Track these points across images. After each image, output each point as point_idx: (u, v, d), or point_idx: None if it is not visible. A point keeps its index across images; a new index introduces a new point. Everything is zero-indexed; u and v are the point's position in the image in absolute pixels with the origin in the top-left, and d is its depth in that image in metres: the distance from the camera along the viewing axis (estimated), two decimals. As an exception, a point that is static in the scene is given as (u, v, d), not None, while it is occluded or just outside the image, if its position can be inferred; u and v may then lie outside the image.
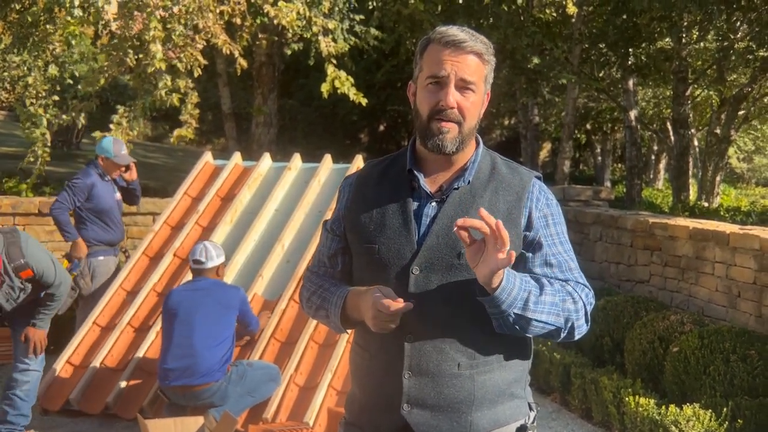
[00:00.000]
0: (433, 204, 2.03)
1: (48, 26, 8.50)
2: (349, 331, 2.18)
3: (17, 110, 8.71)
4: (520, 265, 2.04)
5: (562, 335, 1.99)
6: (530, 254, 2.03)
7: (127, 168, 6.35)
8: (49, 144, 8.85)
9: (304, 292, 2.23)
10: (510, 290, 1.86)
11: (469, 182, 2.03)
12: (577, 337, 2.02)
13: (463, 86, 1.96)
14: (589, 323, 2.04)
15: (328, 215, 6.28)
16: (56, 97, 8.87)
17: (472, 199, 2.01)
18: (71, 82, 10.79)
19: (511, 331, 1.93)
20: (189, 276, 5.82)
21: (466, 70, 1.95)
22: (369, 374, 2.09)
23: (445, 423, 1.98)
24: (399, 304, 1.87)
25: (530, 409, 2.10)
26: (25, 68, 8.79)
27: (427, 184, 2.05)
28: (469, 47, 1.95)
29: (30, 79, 8.59)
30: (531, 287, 1.91)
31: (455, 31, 1.96)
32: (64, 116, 8.72)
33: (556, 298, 1.94)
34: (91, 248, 6.10)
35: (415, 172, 2.06)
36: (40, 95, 8.62)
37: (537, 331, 1.94)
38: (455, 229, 1.80)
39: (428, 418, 1.98)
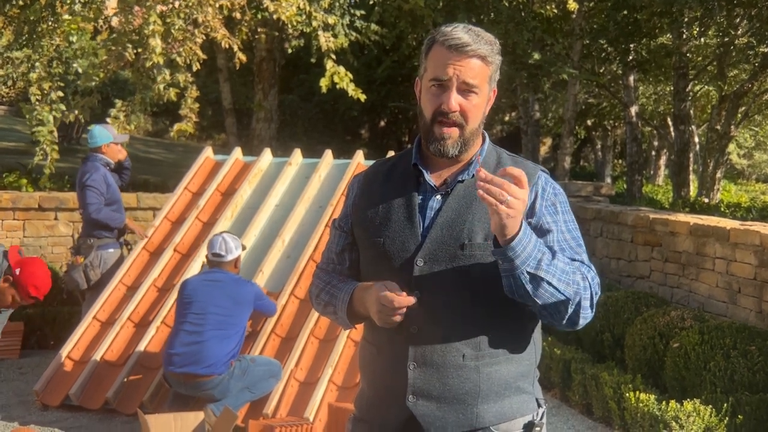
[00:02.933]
0: (438, 197, 2.04)
1: (50, 23, 8.49)
2: (356, 326, 2.19)
3: (23, 108, 8.70)
4: None
5: (570, 310, 1.91)
6: None
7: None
8: (56, 141, 8.86)
9: (313, 289, 2.25)
10: (525, 244, 1.81)
11: (473, 176, 2.03)
12: (581, 323, 1.95)
13: (466, 89, 1.96)
14: (594, 308, 1.97)
15: (329, 210, 6.29)
16: (61, 93, 8.85)
17: (476, 192, 2.01)
18: (75, 77, 10.78)
19: (520, 292, 1.87)
20: (188, 270, 5.82)
21: (469, 74, 1.95)
22: (376, 368, 2.10)
23: (451, 414, 1.98)
24: (402, 298, 1.88)
25: (538, 405, 2.09)
26: (28, 64, 8.76)
27: (432, 179, 2.06)
28: (471, 51, 1.95)
29: (33, 76, 8.56)
30: (545, 250, 1.87)
31: (459, 33, 1.95)
32: (70, 115, 8.71)
33: (568, 267, 1.90)
34: (101, 240, 6.10)
35: (420, 166, 2.07)
36: (45, 92, 8.60)
37: (546, 298, 1.87)
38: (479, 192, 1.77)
39: (434, 410, 1.98)
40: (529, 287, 1.85)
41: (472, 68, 1.96)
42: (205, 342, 4.73)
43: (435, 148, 2.00)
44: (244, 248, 5.32)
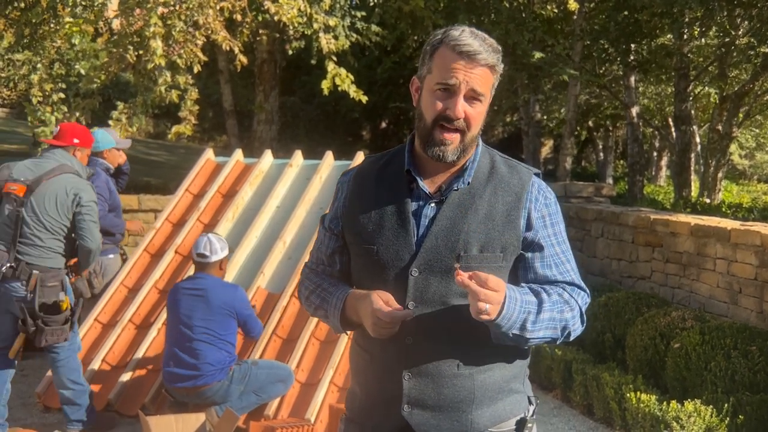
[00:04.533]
0: (432, 205, 2.02)
1: (51, 25, 8.51)
2: (348, 332, 2.19)
3: (27, 108, 8.70)
4: (519, 265, 2.05)
5: (558, 341, 2.04)
6: (530, 254, 2.03)
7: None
8: None
9: (303, 289, 2.23)
10: (509, 317, 1.89)
11: (468, 183, 2.02)
12: (572, 338, 2.06)
13: (473, 96, 1.94)
14: (584, 322, 2.07)
15: (329, 212, 6.29)
16: (62, 95, 8.86)
17: (471, 200, 2.00)
18: (76, 79, 10.81)
19: (507, 343, 1.98)
20: (189, 272, 5.82)
21: (477, 81, 1.93)
22: (369, 375, 2.09)
23: (446, 422, 1.98)
24: (398, 312, 1.88)
25: (530, 402, 2.11)
26: (30, 66, 8.79)
27: (426, 185, 2.03)
28: (482, 60, 1.92)
29: (35, 78, 8.58)
30: (530, 308, 1.93)
31: (469, 40, 1.92)
32: (72, 117, 8.73)
33: (554, 312, 1.97)
34: (102, 246, 6.08)
35: (413, 172, 2.05)
36: (46, 93, 8.62)
37: (534, 344, 1.99)
38: (457, 278, 1.84)
39: (429, 419, 1.99)
40: (515, 342, 1.96)
41: (480, 76, 1.93)
42: (198, 355, 4.68)
43: (434, 153, 1.97)
44: (231, 251, 5.22)
